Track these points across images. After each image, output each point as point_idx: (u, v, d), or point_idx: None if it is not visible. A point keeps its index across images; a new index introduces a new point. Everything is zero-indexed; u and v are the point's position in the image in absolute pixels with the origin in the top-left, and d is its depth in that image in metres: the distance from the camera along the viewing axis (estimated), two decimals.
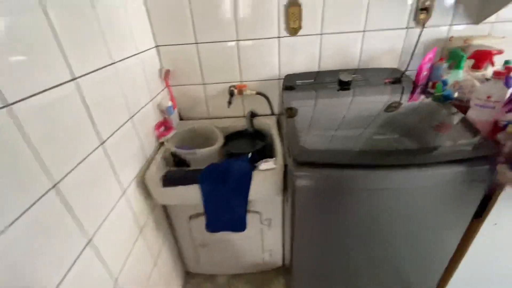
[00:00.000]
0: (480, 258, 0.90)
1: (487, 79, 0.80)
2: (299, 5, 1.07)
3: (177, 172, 0.93)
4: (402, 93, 1.08)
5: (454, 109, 0.87)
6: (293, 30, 1.12)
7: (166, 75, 1.18)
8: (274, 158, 0.95)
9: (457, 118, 0.84)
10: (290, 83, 1.16)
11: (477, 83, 0.84)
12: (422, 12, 1.08)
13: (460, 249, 0.89)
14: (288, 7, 1.07)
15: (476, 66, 0.89)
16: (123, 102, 0.84)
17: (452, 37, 1.13)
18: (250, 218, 1.04)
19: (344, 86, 1.10)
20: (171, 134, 1.10)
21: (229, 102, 1.20)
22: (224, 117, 1.32)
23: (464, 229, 0.84)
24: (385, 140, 0.79)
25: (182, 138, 1.17)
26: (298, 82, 1.16)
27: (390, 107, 0.99)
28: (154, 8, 1.07)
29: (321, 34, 1.14)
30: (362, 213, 0.80)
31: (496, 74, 0.74)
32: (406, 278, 0.98)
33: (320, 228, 0.84)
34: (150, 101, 1.06)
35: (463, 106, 0.86)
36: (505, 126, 0.75)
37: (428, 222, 0.81)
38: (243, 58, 1.19)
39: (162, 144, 1.09)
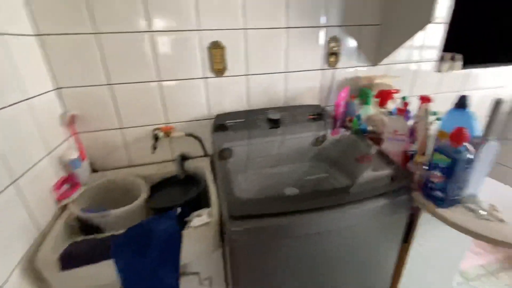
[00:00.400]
0: (414, 276, 0.95)
1: (391, 114, 0.90)
2: (222, 48, 1.07)
3: (83, 245, 0.73)
4: (326, 128, 1.15)
5: (370, 142, 0.95)
6: (219, 71, 1.10)
7: (71, 121, 0.99)
8: (208, 209, 0.85)
9: (374, 150, 0.91)
10: (221, 123, 1.12)
11: (385, 118, 0.95)
12: (332, 56, 1.21)
13: (397, 272, 0.93)
14: (211, 49, 1.06)
15: (382, 104, 1.02)
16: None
17: (358, 77, 1.29)
18: (187, 282, 0.88)
19: (273, 124, 1.11)
20: (77, 193, 0.89)
21: (154, 147, 1.07)
22: (149, 164, 1.17)
23: (397, 253, 0.88)
24: (316, 180, 0.79)
25: (94, 196, 0.96)
26: (229, 121, 1.12)
27: (318, 142, 1.03)
28: (54, 47, 0.91)
29: (246, 75, 1.15)
30: (304, 256, 0.76)
31: (399, 111, 0.84)
32: None
33: (263, 277, 0.76)
34: (47, 155, 0.85)
35: (377, 138, 0.95)
36: (413, 156, 0.85)
37: (365, 253, 0.82)
38: (168, 98, 1.10)
39: (64, 207, 0.87)
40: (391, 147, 0.87)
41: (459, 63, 1.39)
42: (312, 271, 0.80)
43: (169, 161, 1.18)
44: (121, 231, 0.75)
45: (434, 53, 1.39)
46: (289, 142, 1.05)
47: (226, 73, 1.12)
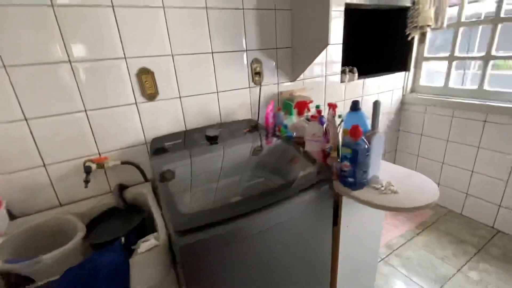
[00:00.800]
0: (348, 255, 1.11)
1: (308, 121, 1.08)
2: (151, 73, 1.11)
3: None
4: (261, 138, 1.28)
5: (297, 146, 1.11)
6: (151, 95, 1.13)
7: None
8: (155, 234, 0.85)
9: (300, 152, 1.07)
10: (159, 146, 1.13)
11: (305, 125, 1.13)
12: (256, 75, 1.37)
13: (335, 254, 1.07)
14: (140, 75, 1.08)
15: (300, 113, 1.20)
16: None
17: (282, 91, 1.48)
18: None
19: (212, 140, 1.18)
20: None
21: (86, 181, 1.01)
22: (84, 199, 1.08)
23: (331, 237, 1.02)
24: (255, 185, 0.89)
25: (20, 245, 0.85)
26: (167, 143, 1.14)
27: (255, 151, 1.14)
28: None
29: (179, 97, 1.20)
30: (254, 256, 0.82)
31: (312, 117, 1.02)
32: None
33: (220, 284, 0.80)
34: None
35: (301, 142, 1.11)
36: (329, 152, 1.03)
37: (305, 241, 0.94)
38: (98, 128, 1.06)
39: None
40: (312, 147, 1.04)
41: (356, 74, 1.73)
42: (264, 268, 0.87)
43: (107, 193, 1.12)
44: (58, 277, 0.70)
45: (338, 67, 1.69)
46: (229, 156, 1.13)
47: (159, 97, 1.15)
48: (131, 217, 1.04)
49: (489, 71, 1.73)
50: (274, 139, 1.24)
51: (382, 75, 1.94)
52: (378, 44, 2.10)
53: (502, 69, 2.08)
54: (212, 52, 1.23)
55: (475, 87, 1.80)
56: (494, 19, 1.63)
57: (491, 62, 1.70)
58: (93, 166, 1.04)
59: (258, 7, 1.29)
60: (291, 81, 1.52)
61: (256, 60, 1.36)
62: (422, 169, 2.18)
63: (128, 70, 1.06)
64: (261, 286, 0.89)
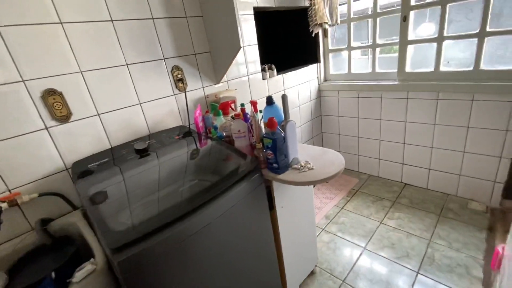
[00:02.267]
0: (288, 236, 1.25)
1: (234, 119, 1.16)
2: (59, 93, 1.03)
3: None
4: (195, 142, 1.31)
5: (227, 144, 1.18)
6: (63, 117, 1.05)
7: None
8: (91, 259, 0.82)
9: (231, 149, 1.15)
10: (82, 169, 1.06)
11: (232, 123, 1.21)
12: (179, 82, 1.39)
13: (277, 238, 1.19)
14: (45, 97, 1.00)
15: (225, 113, 1.28)
16: None
17: (208, 94, 1.54)
18: None
19: (142, 153, 1.16)
20: None
21: None
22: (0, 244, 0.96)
23: (269, 220, 1.14)
24: (190, 187, 0.93)
25: None
26: (92, 165, 1.08)
27: (193, 156, 1.17)
28: None
29: (98, 115, 1.15)
30: (199, 256, 0.87)
31: (236, 115, 1.11)
32: (259, 280, 1.16)
33: None
34: None
35: (231, 140, 1.19)
36: (255, 145, 1.13)
37: (247, 230, 1.03)
38: (2, 162, 0.94)
39: None
40: (240, 143, 1.13)
41: (275, 71, 1.90)
42: (212, 264, 0.92)
43: (28, 231, 1.01)
44: None
45: (258, 66, 1.83)
46: (162, 165, 1.13)
47: (73, 118, 1.08)
48: (62, 251, 0.96)
49: (377, 56, 2.10)
50: (206, 141, 1.29)
51: (298, 68, 2.17)
52: (291, 41, 2.33)
53: (386, 52, 2.54)
54: (127, 64, 1.21)
55: (369, 70, 2.17)
56: (373, 14, 1.99)
57: (378, 49, 2.08)
58: (3, 205, 0.93)
59: (168, 15, 1.31)
60: (216, 84, 1.59)
61: (176, 67, 1.38)
62: (345, 145, 2.53)
63: (29, 93, 0.97)
64: (214, 280, 0.94)
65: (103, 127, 1.17)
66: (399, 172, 2.25)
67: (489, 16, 1.54)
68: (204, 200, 0.85)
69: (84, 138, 1.12)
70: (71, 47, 1.04)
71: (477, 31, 1.59)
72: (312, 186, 1.36)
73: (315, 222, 1.47)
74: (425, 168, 2.08)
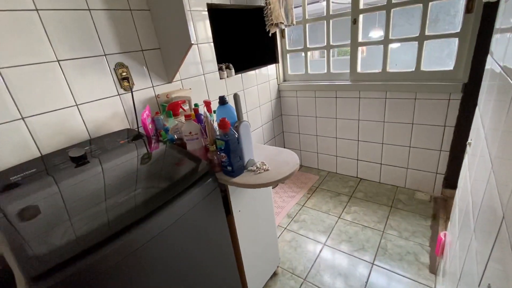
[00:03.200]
0: (248, 241, 1.21)
1: (185, 121, 1.09)
2: None
3: None
4: (139, 147, 1.20)
5: (178, 147, 1.10)
6: None
7: None
8: None
9: (182, 153, 1.07)
10: (3, 183, 0.90)
11: (183, 125, 1.13)
12: (124, 80, 1.27)
13: (235, 243, 1.15)
14: None
15: (175, 114, 1.20)
16: None
17: (158, 94, 1.43)
18: None
19: (79, 161, 1.03)
20: None
21: None
22: None
23: (227, 225, 1.09)
24: (136, 195, 0.84)
25: None
26: (14, 177, 0.92)
27: (134, 162, 1.07)
28: None
29: (22, 119, 0.99)
30: (156, 264, 0.79)
31: (186, 116, 1.03)
32: (219, 287, 1.11)
33: None
34: None
35: (183, 143, 1.11)
36: (209, 148, 1.07)
37: (203, 237, 0.97)
38: None
39: None
40: (192, 146, 1.06)
41: (233, 70, 1.85)
42: (169, 273, 0.85)
43: None
44: None
45: (214, 65, 1.77)
46: (106, 173, 1.01)
47: None
48: None
49: (331, 57, 2.18)
50: (156, 145, 1.20)
51: (256, 68, 2.15)
52: (250, 40, 2.31)
53: (342, 54, 2.66)
54: (58, 60, 1.06)
55: (325, 71, 2.24)
56: (326, 16, 2.06)
57: (332, 50, 2.15)
58: None
59: (108, 7, 1.18)
60: (168, 83, 1.49)
61: (120, 65, 1.26)
62: (305, 143, 2.59)
63: None
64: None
65: (30, 132, 1.01)
66: (354, 168, 2.37)
67: (427, 21, 1.68)
68: (152, 208, 0.78)
69: (4, 146, 0.95)
70: None
71: (417, 34, 1.73)
72: (270, 187, 1.34)
73: (275, 223, 1.45)
74: (377, 163, 2.21)
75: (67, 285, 0.61)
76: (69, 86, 1.10)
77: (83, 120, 1.16)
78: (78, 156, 1.02)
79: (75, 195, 0.87)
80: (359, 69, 2.05)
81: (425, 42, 1.72)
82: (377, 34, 2.20)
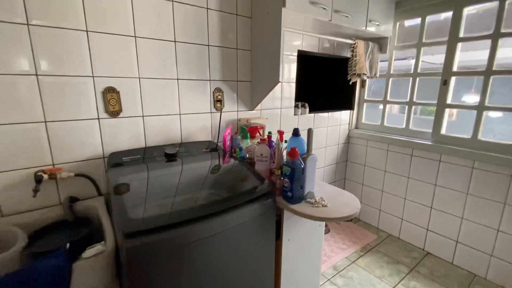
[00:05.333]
0: (290, 271, 1.20)
1: (259, 144, 1.23)
2: (117, 92, 1.20)
3: None
4: (219, 158, 1.39)
5: (248, 165, 1.24)
6: (114, 112, 1.20)
7: None
8: (102, 242, 0.87)
9: (250, 170, 1.20)
10: (116, 161, 1.17)
11: (256, 147, 1.27)
12: (218, 102, 1.52)
13: (277, 269, 1.16)
14: (105, 93, 1.17)
15: (252, 137, 1.36)
16: None
17: (240, 118, 1.64)
18: None
19: (170, 158, 1.26)
20: None
21: (35, 190, 1.01)
22: (30, 211, 1.06)
23: (274, 249, 1.12)
24: (205, 196, 0.98)
25: None
26: (125, 158, 1.20)
27: (214, 170, 1.24)
28: None
29: (142, 116, 1.29)
30: (198, 262, 0.88)
31: (261, 140, 1.17)
32: None
33: None
34: None
35: (252, 162, 1.24)
36: (274, 171, 1.17)
37: (250, 250, 1.02)
38: (56, 139, 1.09)
39: None
40: (260, 167, 1.18)
41: (307, 109, 1.98)
42: (208, 276, 0.92)
43: (57, 205, 1.12)
44: None
45: (292, 102, 1.93)
46: (185, 172, 1.21)
47: (122, 114, 1.22)
48: (79, 229, 1.04)
49: (412, 114, 2.10)
50: (229, 159, 1.36)
51: (330, 111, 2.23)
52: (329, 85, 2.44)
53: (426, 114, 2.51)
54: (178, 79, 1.37)
55: (403, 126, 2.16)
56: (413, 74, 2.04)
57: (413, 107, 2.08)
58: (45, 176, 1.05)
59: (222, 45, 1.49)
60: (250, 110, 1.70)
61: (218, 89, 1.53)
62: (367, 197, 2.43)
63: (94, 87, 1.14)
64: None
65: (144, 127, 1.31)
66: (422, 238, 2.08)
67: None
68: (214, 210, 0.89)
69: (125, 133, 1.26)
70: (137, 56, 1.23)
71: None
72: (323, 227, 1.32)
73: (320, 267, 1.39)
74: (452, 240, 1.90)
75: (144, 247, 0.75)
76: (179, 99, 1.39)
77: (180, 126, 1.43)
78: (171, 153, 1.25)
79: (162, 183, 1.07)
80: (443, 131, 1.91)
81: None
82: (472, 99, 2.04)
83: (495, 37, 1.61)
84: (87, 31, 1.09)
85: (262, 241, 1.06)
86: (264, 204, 1.01)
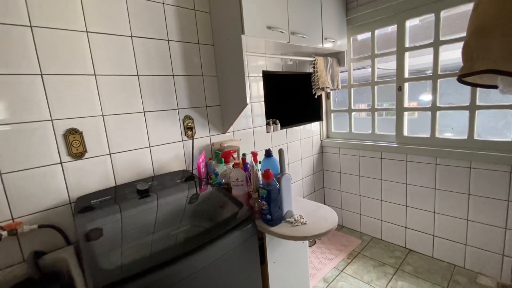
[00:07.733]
0: None
1: (234, 168, 1.23)
2: (80, 133, 1.15)
3: None
4: (195, 187, 1.36)
5: (225, 191, 1.23)
6: (78, 154, 1.15)
7: None
8: None
9: (228, 197, 1.19)
10: (84, 205, 1.11)
11: (232, 171, 1.27)
12: (188, 130, 1.52)
13: None
14: (67, 135, 1.11)
15: (226, 161, 1.36)
16: None
17: (213, 143, 1.64)
18: None
19: (143, 194, 1.21)
20: None
21: None
22: None
23: (260, 274, 1.10)
24: (183, 232, 0.95)
25: None
26: (94, 201, 1.13)
27: (192, 200, 1.21)
28: None
29: (109, 154, 1.24)
30: None
31: (235, 164, 1.18)
32: None
33: None
34: None
35: (229, 188, 1.24)
36: (251, 195, 1.17)
37: (237, 280, 1.00)
38: (13, 191, 1.01)
39: None
40: (237, 191, 1.17)
41: (279, 125, 2.03)
42: None
43: (20, 263, 1.02)
44: None
45: (263, 120, 1.98)
46: (160, 207, 1.17)
47: (87, 155, 1.17)
48: (47, 287, 0.95)
49: (376, 119, 2.24)
50: (206, 187, 1.34)
51: (301, 125, 2.31)
52: (296, 100, 2.53)
53: (392, 114, 2.68)
54: (144, 111, 1.35)
55: (369, 131, 2.28)
56: (371, 82, 2.19)
57: (376, 113, 2.22)
58: (4, 233, 0.96)
59: (187, 73, 1.50)
60: (222, 133, 1.71)
61: (187, 117, 1.52)
62: (346, 203, 2.50)
63: (54, 131, 1.09)
64: None
65: (112, 166, 1.26)
66: (402, 236, 2.17)
67: (478, 92, 1.67)
68: (194, 246, 0.86)
69: (92, 175, 1.20)
70: (99, 94, 1.20)
71: (468, 104, 1.72)
72: (307, 243, 1.33)
73: (309, 284, 1.39)
74: (430, 234, 2.00)
75: None
76: (147, 132, 1.37)
77: (151, 159, 1.40)
78: (143, 189, 1.21)
79: (137, 223, 1.02)
80: (405, 133, 2.04)
81: (476, 111, 1.69)
82: (428, 97, 2.21)
83: (436, 45, 1.80)
84: (41, 74, 1.05)
85: (247, 268, 1.04)
86: (245, 231, 1.00)
